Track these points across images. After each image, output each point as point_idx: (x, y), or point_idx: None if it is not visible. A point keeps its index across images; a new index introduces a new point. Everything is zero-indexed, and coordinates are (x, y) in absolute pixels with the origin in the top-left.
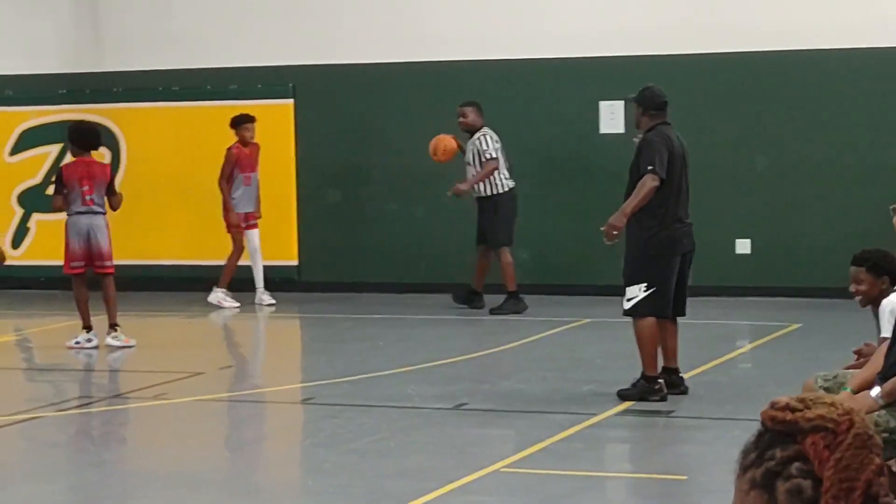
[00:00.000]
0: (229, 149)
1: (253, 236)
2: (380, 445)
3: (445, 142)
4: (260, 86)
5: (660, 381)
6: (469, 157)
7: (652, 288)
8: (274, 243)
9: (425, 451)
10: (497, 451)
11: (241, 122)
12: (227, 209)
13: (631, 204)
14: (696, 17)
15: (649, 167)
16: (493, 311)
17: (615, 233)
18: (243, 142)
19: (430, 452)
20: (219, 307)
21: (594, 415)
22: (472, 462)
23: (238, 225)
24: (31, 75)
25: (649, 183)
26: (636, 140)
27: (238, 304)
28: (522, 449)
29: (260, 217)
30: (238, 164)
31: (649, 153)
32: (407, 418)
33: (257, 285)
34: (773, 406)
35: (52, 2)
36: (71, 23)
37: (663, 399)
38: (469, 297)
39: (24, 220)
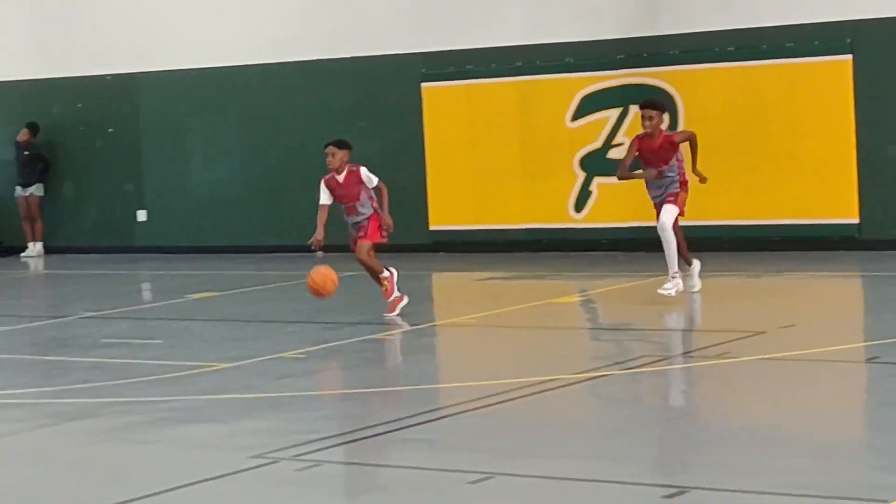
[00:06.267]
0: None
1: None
2: None
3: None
4: (817, 42)
5: None
6: None
7: None
8: (833, 202)
9: None
10: None
11: (642, 107)
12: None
13: None
14: None
15: None
16: None
17: None
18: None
19: None
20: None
21: None
22: None
23: None
24: (590, 41)
25: None
26: None
27: None
28: None
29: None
30: (639, 154)
31: None
32: None
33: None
34: None
35: None
36: None
37: None
38: None
39: (587, 183)
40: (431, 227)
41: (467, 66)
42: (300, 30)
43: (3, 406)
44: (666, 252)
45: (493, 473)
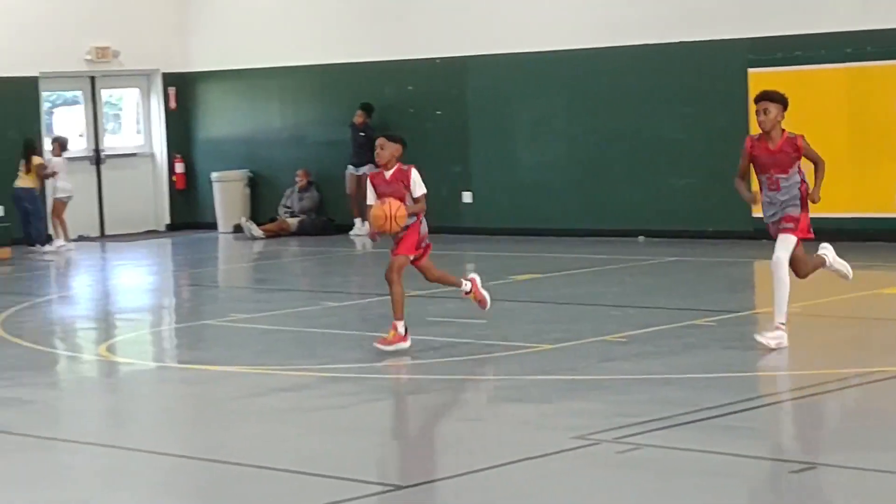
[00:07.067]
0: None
1: None
2: None
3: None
4: None
5: None
6: None
7: None
8: None
9: None
10: None
11: (757, 100)
12: None
13: None
14: None
15: None
16: None
17: None
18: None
19: None
20: None
21: None
22: None
23: None
24: None
25: None
26: None
27: None
28: None
29: None
30: (753, 160)
31: None
32: None
33: None
34: None
35: None
36: None
37: None
38: None
39: None
40: (754, 215)
41: (795, 52)
42: (628, 14)
43: (337, 380)
44: (776, 294)
45: (815, 464)
